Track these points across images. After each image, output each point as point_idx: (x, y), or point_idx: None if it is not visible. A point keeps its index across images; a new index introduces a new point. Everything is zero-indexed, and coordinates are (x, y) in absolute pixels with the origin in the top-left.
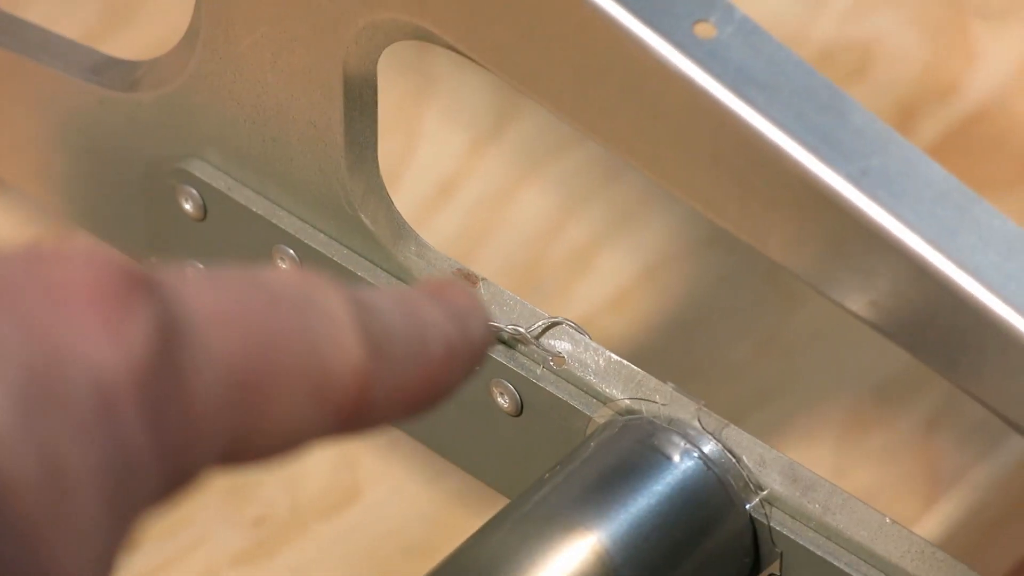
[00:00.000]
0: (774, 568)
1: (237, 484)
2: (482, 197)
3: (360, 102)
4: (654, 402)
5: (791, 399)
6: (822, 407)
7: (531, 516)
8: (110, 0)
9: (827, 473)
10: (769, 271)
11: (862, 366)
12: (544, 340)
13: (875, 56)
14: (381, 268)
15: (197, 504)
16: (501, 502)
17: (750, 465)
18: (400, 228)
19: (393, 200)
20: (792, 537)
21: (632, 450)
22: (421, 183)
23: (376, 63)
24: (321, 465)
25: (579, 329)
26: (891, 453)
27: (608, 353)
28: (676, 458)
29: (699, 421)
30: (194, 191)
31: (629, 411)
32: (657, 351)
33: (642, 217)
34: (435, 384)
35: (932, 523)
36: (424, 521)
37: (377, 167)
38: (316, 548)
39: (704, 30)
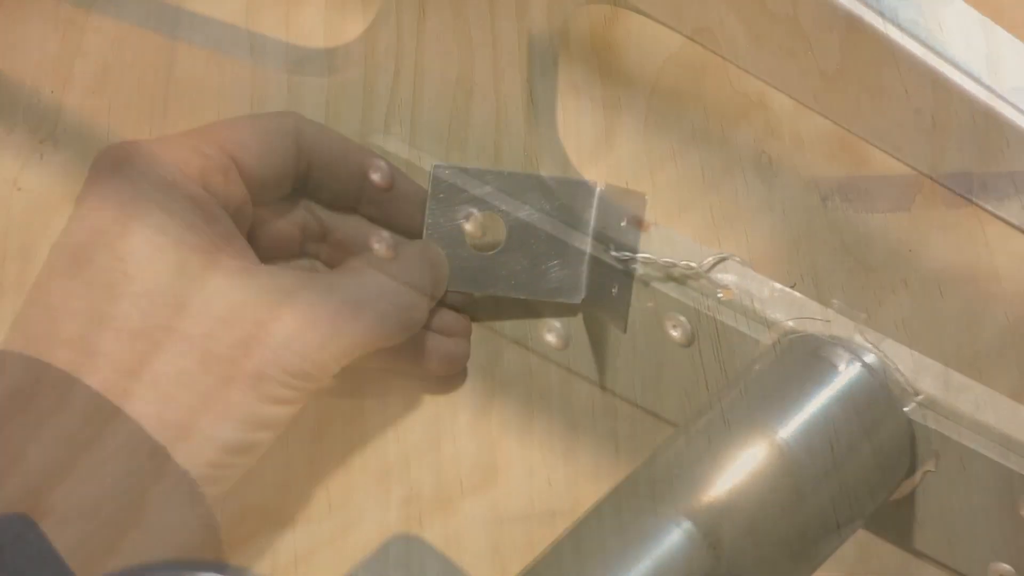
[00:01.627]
0: (930, 465)
1: (386, 468)
2: None
3: (542, 67)
4: (817, 320)
5: None
6: None
7: (714, 421)
8: None
9: None
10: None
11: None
12: (713, 274)
13: None
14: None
15: (351, 486)
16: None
17: (907, 373)
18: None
19: None
20: (947, 435)
21: (801, 362)
22: None
23: (559, 29)
24: (462, 449)
25: (744, 263)
26: None
27: (772, 283)
28: (841, 367)
29: (860, 335)
30: (381, 163)
31: (794, 332)
32: None
33: None
34: None
35: None
36: (561, 493)
37: (556, 127)
38: (463, 520)
39: None
